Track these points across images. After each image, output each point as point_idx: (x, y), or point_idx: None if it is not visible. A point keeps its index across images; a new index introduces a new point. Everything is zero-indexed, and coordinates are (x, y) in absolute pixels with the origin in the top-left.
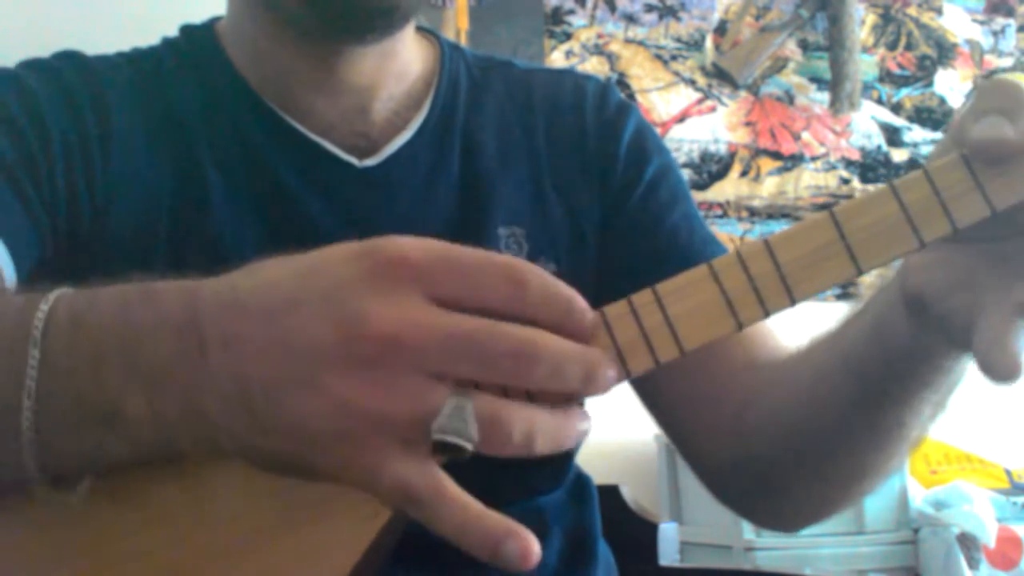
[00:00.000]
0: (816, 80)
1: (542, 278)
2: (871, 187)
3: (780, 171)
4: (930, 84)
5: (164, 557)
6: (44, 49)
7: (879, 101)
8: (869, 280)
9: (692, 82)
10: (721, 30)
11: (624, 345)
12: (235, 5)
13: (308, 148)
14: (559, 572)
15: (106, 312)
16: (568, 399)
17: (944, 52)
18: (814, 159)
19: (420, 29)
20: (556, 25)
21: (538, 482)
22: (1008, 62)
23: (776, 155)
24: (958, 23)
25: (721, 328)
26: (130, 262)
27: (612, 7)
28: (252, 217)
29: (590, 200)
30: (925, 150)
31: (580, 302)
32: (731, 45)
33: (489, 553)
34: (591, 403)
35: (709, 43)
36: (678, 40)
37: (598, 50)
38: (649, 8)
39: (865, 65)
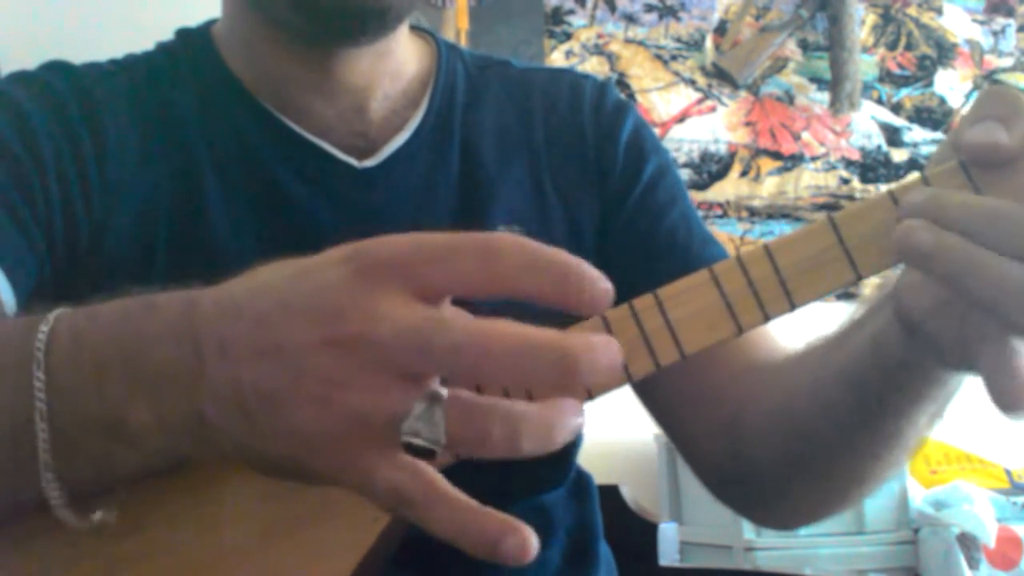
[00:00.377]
0: (816, 80)
1: (522, 246)
2: (871, 187)
3: (780, 171)
4: (930, 84)
5: (166, 560)
6: (44, 49)
7: (879, 101)
8: (873, 281)
9: (692, 82)
10: (721, 30)
11: (625, 348)
12: (229, 8)
13: (306, 149)
14: (563, 571)
15: (107, 325)
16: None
17: (944, 52)
18: (814, 159)
19: (416, 29)
20: (556, 25)
21: (541, 479)
22: (1008, 62)
23: (776, 155)
24: (958, 23)
25: (721, 332)
26: (130, 271)
27: (612, 7)
28: (251, 220)
29: (589, 199)
30: (925, 150)
31: (580, 267)
32: (731, 45)
33: (488, 552)
34: (592, 403)
35: (709, 43)
36: (678, 40)
37: (598, 50)
38: (649, 8)
39: (865, 65)
